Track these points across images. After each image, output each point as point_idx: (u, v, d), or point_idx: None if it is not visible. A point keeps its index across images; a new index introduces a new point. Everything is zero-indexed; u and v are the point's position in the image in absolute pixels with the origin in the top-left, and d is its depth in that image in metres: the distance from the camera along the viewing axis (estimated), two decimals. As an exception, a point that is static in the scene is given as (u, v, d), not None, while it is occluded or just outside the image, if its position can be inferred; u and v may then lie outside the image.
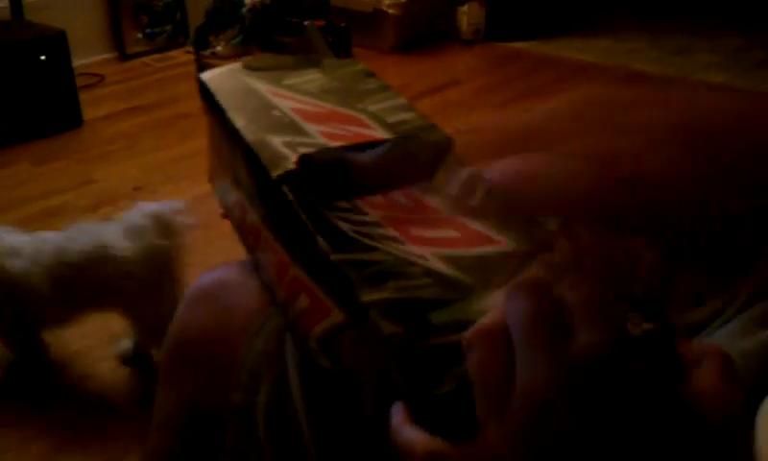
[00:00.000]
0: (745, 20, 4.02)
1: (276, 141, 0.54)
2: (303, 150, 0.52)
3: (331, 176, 0.51)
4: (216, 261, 2.14)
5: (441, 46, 3.81)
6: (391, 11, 3.66)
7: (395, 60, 3.57)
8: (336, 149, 0.53)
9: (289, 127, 0.56)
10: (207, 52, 3.50)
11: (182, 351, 0.66)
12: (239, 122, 0.56)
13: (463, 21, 3.81)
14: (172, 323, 0.68)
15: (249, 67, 0.66)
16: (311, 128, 0.56)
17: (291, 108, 0.59)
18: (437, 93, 3.18)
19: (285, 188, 0.49)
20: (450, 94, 3.22)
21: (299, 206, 0.48)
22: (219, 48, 3.66)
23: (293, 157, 0.51)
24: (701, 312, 0.64)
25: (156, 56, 3.70)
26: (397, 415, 0.38)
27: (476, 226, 0.48)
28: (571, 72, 3.45)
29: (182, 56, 3.71)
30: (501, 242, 0.46)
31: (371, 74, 0.66)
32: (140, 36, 3.73)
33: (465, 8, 3.79)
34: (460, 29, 3.83)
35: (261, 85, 0.62)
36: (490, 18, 3.81)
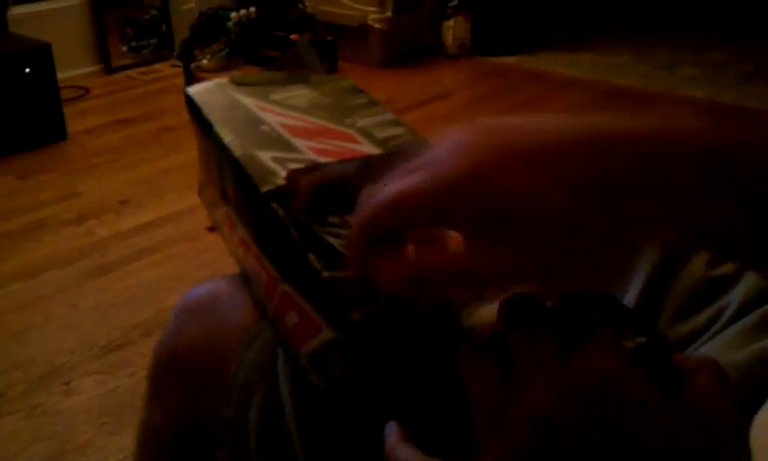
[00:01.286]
0: (729, 35, 4.06)
1: (265, 156, 0.53)
2: (293, 165, 0.52)
3: (321, 191, 0.50)
4: (202, 274, 2.14)
5: (427, 60, 3.82)
6: (377, 25, 3.67)
7: (381, 74, 3.58)
8: (326, 164, 0.53)
9: (277, 142, 0.55)
10: (193, 65, 3.50)
11: (173, 364, 0.65)
12: (227, 137, 0.56)
13: (448, 36, 3.82)
14: (162, 335, 0.67)
15: (236, 82, 0.65)
16: (300, 143, 0.55)
17: (279, 123, 0.58)
18: (423, 107, 3.18)
19: (274, 204, 0.49)
20: (437, 108, 3.22)
21: (288, 221, 0.48)
22: (204, 61, 3.66)
23: (282, 173, 0.51)
24: (691, 324, 0.64)
25: (142, 69, 3.69)
26: (392, 434, 0.37)
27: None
28: (557, 87, 3.47)
29: (168, 69, 3.70)
30: None
31: (359, 90, 0.66)
32: (125, 49, 3.71)
33: (450, 22, 3.80)
34: (446, 43, 3.84)
35: (248, 100, 0.62)
36: (475, 33, 3.82)
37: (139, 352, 1.71)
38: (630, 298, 0.65)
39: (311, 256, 0.45)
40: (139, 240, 2.19)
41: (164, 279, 1.99)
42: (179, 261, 2.07)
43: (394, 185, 0.39)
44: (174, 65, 3.71)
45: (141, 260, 2.09)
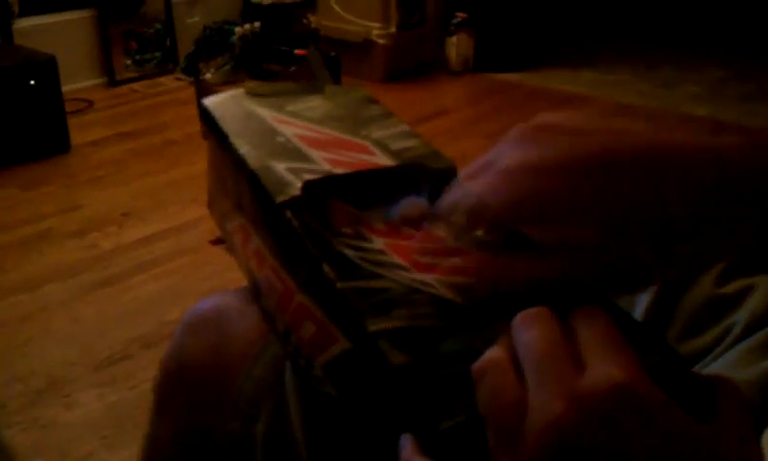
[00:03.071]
0: (730, 53, 4.07)
1: (280, 167, 0.53)
2: (308, 176, 0.52)
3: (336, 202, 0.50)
4: (204, 287, 2.13)
5: (430, 76, 3.83)
6: (380, 41, 3.68)
7: (384, 90, 3.58)
8: (341, 176, 0.53)
9: (293, 153, 0.56)
10: (193, 79, 3.51)
11: (179, 378, 0.65)
12: (243, 148, 0.56)
13: (452, 52, 3.83)
14: (168, 348, 0.67)
15: (251, 93, 0.66)
16: (315, 154, 0.55)
17: (294, 134, 0.59)
18: (426, 122, 3.19)
19: (290, 214, 0.49)
20: (439, 124, 3.23)
21: (303, 232, 0.48)
22: (209, 75, 3.67)
23: (297, 184, 0.51)
24: (697, 343, 0.64)
25: (146, 82, 3.70)
26: (407, 447, 0.37)
27: (482, 255, 0.48)
28: (559, 103, 3.47)
29: (171, 82, 3.71)
30: None
31: (373, 101, 0.66)
32: (129, 62, 3.73)
33: (454, 39, 3.82)
34: (449, 59, 3.85)
35: (264, 111, 0.62)
36: (478, 49, 3.84)
37: (141, 366, 1.71)
38: (636, 316, 0.65)
39: (325, 267, 0.45)
40: (142, 253, 2.19)
41: (166, 293, 1.99)
42: (181, 275, 2.07)
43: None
44: (178, 79, 3.73)
45: (143, 273, 2.09)
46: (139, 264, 2.14)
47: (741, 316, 0.63)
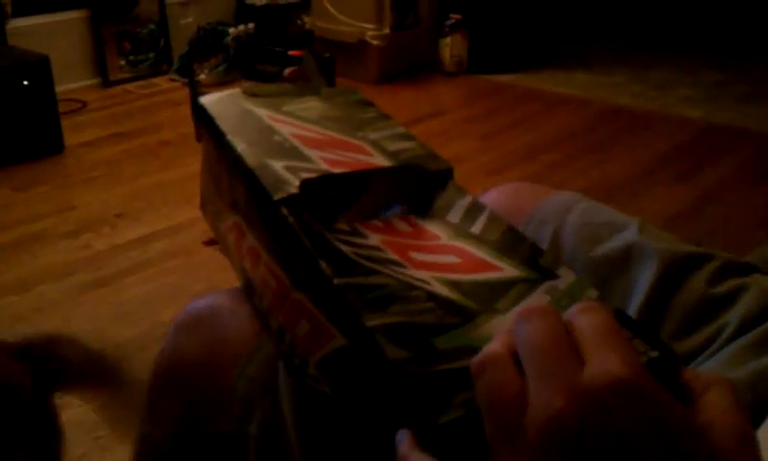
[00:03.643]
0: (725, 56, 4.08)
1: (277, 166, 0.54)
2: (305, 174, 0.52)
3: (332, 200, 0.51)
4: (198, 288, 2.11)
5: (424, 78, 3.83)
6: (374, 42, 3.68)
7: (378, 91, 3.59)
8: (339, 175, 0.53)
9: (290, 152, 0.56)
10: (187, 80, 3.50)
11: (171, 378, 0.65)
12: (240, 146, 0.56)
13: (446, 53, 3.84)
14: (161, 349, 0.67)
15: (247, 93, 0.66)
16: (312, 153, 0.56)
17: (291, 133, 0.59)
18: (420, 123, 3.19)
19: (286, 212, 0.49)
20: (433, 124, 3.23)
21: (300, 229, 0.48)
22: (203, 76, 3.67)
23: (295, 182, 0.51)
24: (690, 342, 0.64)
25: (139, 83, 3.69)
26: (404, 442, 0.37)
27: (477, 252, 0.48)
28: (553, 105, 3.48)
29: (165, 83, 3.71)
30: (503, 269, 0.46)
31: (369, 103, 0.67)
32: (123, 62, 3.72)
33: (448, 40, 3.82)
34: (443, 61, 3.86)
35: (261, 111, 0.62)
36: (472, 51, 3.84)
37: (134, 366, 1.70)
38: (629, 314, 0.65)
39: (322, 263, 0.45)
40: (135, 254, 2.19)
41: (160, 294, 1.98)
42: (174, 275, 2.07)
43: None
44: (172, 79, 3.72)
45: (137, 274, 2.08)
46: (133, 265, 2.13)
47: (734, 315, 0.63)
